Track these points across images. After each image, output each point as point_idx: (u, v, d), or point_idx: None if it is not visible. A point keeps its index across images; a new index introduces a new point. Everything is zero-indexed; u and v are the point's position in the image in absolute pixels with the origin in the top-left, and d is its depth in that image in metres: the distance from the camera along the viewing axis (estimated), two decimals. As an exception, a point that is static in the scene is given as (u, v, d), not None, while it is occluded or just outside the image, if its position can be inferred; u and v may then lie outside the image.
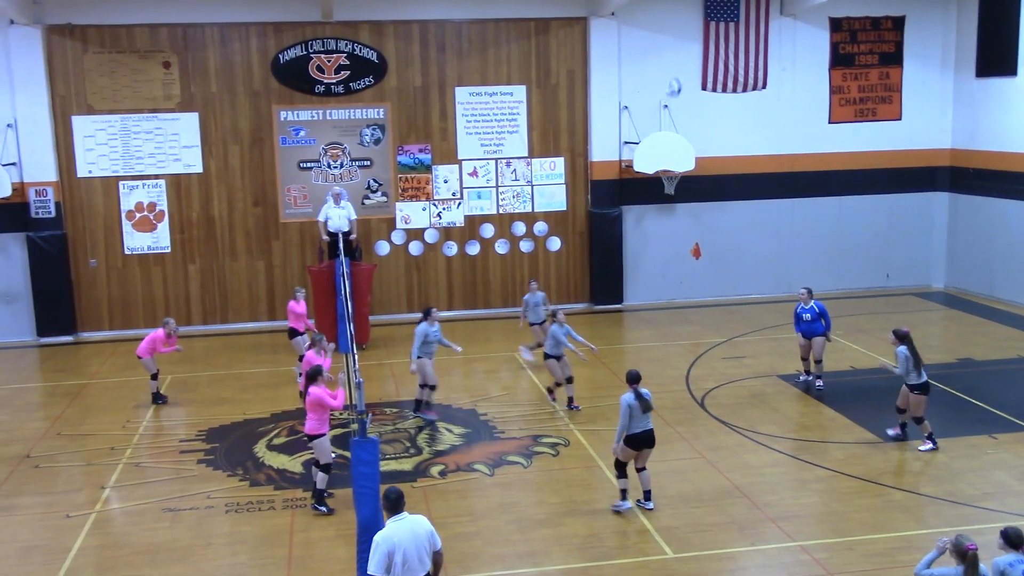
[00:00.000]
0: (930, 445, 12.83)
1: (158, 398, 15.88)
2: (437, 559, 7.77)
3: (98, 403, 15.99)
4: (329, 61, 20.78)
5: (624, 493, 11.32)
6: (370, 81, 20.97)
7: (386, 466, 12.26)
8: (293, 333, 16.81)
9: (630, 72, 21.61)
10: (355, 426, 9.97)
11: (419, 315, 15.05)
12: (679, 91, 17.03)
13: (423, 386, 14.69)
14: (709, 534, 10.70)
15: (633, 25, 21.51)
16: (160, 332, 15.82)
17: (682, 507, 11.38)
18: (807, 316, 15.47)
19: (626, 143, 21.74)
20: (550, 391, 15.32)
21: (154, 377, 15.86)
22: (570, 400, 14.93)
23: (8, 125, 19.80)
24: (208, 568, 10.21)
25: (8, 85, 19.68)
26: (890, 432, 13.33)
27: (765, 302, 21.96)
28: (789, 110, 22.29)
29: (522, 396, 15.75)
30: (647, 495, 11.28)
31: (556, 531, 10.90)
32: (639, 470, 11.29)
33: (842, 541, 10.47)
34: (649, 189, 21.83)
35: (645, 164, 21.33)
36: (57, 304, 20.22)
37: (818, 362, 15.60)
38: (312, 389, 11.27)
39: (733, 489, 11.87)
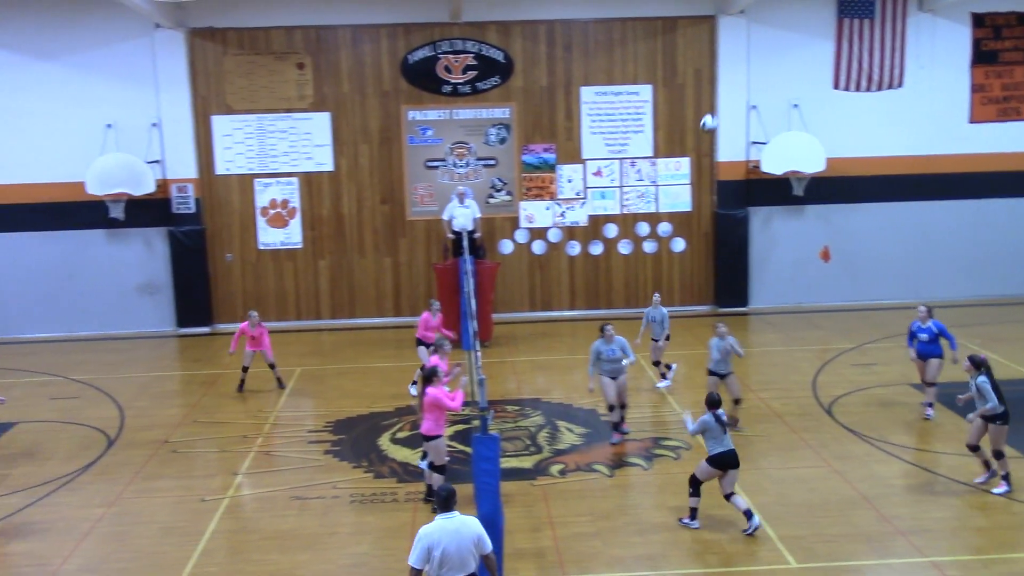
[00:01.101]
0: (1006, 487, 11.45)
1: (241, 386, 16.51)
2: (489, 563, 7.71)
3: (232, 392, 16.59)
4: (456, 61, 21.05)
5: (694, 512, 10.92)
6: (496, 81, 21.16)
7: (506, 463, 12.33)
8: (420, 342, 16.16)
9: (759, 71, 21.22)
10: (477, 422, 10.07)
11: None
12: (711, 126, 16.49)
13: (611, 407, 13.58)
14: (834, 545, 10.42)
15: (763, 23, 21.11)
16: (244, 324, 16.40)
17: (807, 516, 11.11)
18: (924, 336, 14.01)
19: (754, 143, 21.36)
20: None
21: (245, 369, 16.41)
22: (734, 420, 13.59)
23: (153, 124, 20.75)
24: (333, 556, 10.48)
25: (153, 86, 20.62)
26: (979, 480, 11.76)
27: (897, 308, 21.19)
28: (926, 109, 21.50)
29: (643, 397, 15.64)
30: (748, 514, 10.66)
31: (675, 535, 10.78)
32: (728, 496, 10.77)
33: (977, 559, 10.04)
34: (777, 190, 21.39)
35: (773, 165, 20.91)
36: (195, 296, 21.10)
37: (932, 385, 14.15)
38: (429, 390, 11.18)
39: (860, 500, 11.52)
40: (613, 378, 13.42)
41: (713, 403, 10.90)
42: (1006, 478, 11.51)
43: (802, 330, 19.94)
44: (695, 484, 10.94)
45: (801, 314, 21.34)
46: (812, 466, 12.60)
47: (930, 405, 14.26)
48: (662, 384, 16.11)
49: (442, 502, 7.66)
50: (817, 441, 13.45)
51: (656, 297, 16.52)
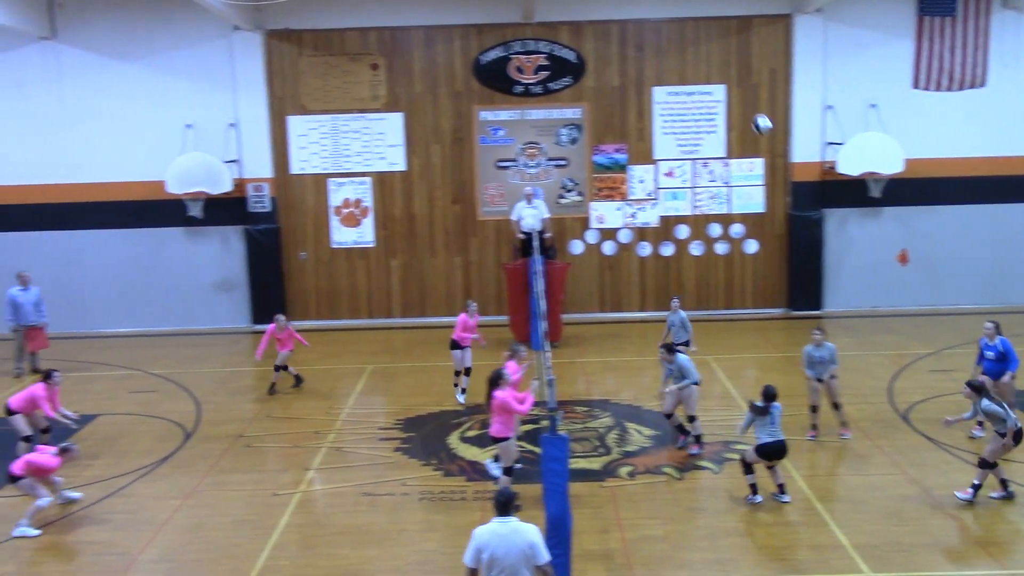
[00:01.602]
0: (1002, 492, 11.41)
1: (272, 389, 16.56)
2: (543, 574, 7.52)
3: (304, 389, 16.83)
4: (528, 62, 21.09)
5: (755, 487, 11.43)
6: (568, 81, 21.14)
7: (575, 464, 12.31)
8: (455, 345, 15.67)
9: (835, 70, 20.87)
10: (546, 423, 10.08)
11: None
12: (764, 127, 15.66)
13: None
14: (910, 554, 10.20)
15: (840, 21, 20.76)
16: (272, 327, 16.48)
17: (881, 524, 10.89)
18: (990, 354, 13.37)
19: (829, 144, 21.02)
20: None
21: (277, 369, 16.51)
22: (843, 425, 13.60)
23: (230, 124, 21.16)
24: (402, 553, 10.57)
25: (231, 87, 21.03)
26: (995, 495, 11.49)
27: (977, 313, 20.60)
28: (1010, 109, 20.93)
29: (713, 401, 15.48)
30: (781, 488, 11.45)
31: (746, 540, 10.67)
32: (769, 467, 11.50)
33: (1059, 572, 9.76)
34: (853, 192, 21.02)
35: (850, 166, 20.55)
36: (269, 293, 21.46)
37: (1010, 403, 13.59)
38: (497, 394, 11.21)
39: (937, 508, 11.26)
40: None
41: (768, 396, 11.37)
42: (1004, 483, 11.45)
43: (878, 334, 19.56)
44: (747, 467, 11.47)
45: (877, 318, 20.93)
46: (887, 473, 12.35)
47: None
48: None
49: (500, 506, 7.60)
50: (893, 448, 13.18)
51: (675, 302, 16.17)
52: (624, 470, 12.74)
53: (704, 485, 12.24)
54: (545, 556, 7.51)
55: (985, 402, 11.34)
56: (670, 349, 13.50)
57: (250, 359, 19.53)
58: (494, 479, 11.85)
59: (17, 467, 11.36)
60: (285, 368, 16.65)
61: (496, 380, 11.36)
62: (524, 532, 7.50)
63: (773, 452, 11.25)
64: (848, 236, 21.50)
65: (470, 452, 13.50)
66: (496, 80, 21.17)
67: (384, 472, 12.90)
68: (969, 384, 11.61)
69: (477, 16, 20.97)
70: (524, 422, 14.24)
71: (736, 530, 10.90)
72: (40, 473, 11.37)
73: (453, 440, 14.01)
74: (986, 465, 11.29)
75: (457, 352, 15.60)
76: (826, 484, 12.07)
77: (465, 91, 21.25)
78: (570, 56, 21.09)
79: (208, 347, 20.23)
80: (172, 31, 20.88)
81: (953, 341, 18.66)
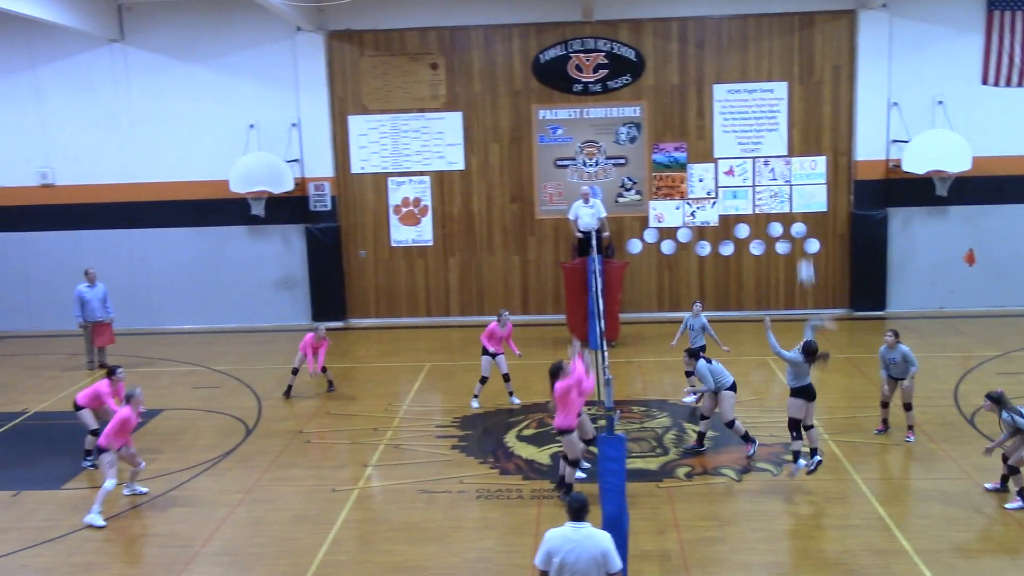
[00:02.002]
0: (1020, 503, 11.15)
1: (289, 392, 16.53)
2: None
3: (363, 386, 17.01)
4: (587, 60, 21.03)
5: (798, 455, 11.78)
6: (627, 79, 21.05)
7: (632, 464, 12.26)
8: (484, 351, 15.48)
9: (901, 66, 20.49)
10: (603, 422, 10.05)
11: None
12: (807, 278, 15.02)
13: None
14: (976, 561, 9.98)
15: (906, 16, 20.37)
16: (310, 337, 16.32)
17: (946, 530, 10.68)
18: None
19: (894, 141, 20.64)
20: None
21: (294, 372, 16.44)
22: (910, 428, 13.39)
23: (293, 124, 21.44)
24: (458, 550, 10.62)
25: (294, 87, 21.30)
26: (988, 486, 11.64)
27: (1048, 314, 20.20)
28: (1084, 105, 20.37)
29: (773, 402, 15.31)
30: (813, 452, 11.80)
31: (805, 544, 10.53)
32: (807, 428, 11.85)
33: None
34: (918, 190, 20.62)
35: (915, 164, 20.16)
36: (330, 291, 21.70)
37: None
38: (558, 384, 11.36)
39: (1004, 515, 11.01)
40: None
41: (809, 351, 11.67)
42: (1021, 493, 11.21)
43: (944, 336, 19.17)
44: (795, 426, 11.85)
45: (943, 319, 20.51)
46: (953, 478, 12.10)
47: None
48: (688, 399, 15.31)
49: (573, 511, 7.46)
50: (958, 452, 12.90)
51: (697, 305, 15.75)
52: (682, 471, 12.65)
53: (763, 487, 12.10)
54: (617, 564, 7.35)
55: (1005, 414, 11.18)
56: (693, 354, 13.35)
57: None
58: (561, 475, 11.85)
59: (103, 439, 11.72)
60: (324, 370, 16.47)
61: (556, 371, 11.47)
62: (597, 539, 7.35)
63: (807, 393, 11.80)
64: (913, 236, 21.10)
65: (527, 451, 13.51)
66: (555, 79, 21.15)
67: (441, 469, 12.97)
68: (989, 396, 11.39)
69: (536, 15, 20.98)
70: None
71: (795, 533, 10.77)
72: (122, 431, 11.71)
73: (510, 439, 14.03)
74: (1015, 471, 11.17)
75: (486, 358, 15.40)
76: (889, 487, 11.86)
77: (524, 90, 21.27)
78: (629, 54, 20.99)
79: (269, 344, 20.51)
80: (236, 33, 21.22)
81: (1021, 343, 18.22)
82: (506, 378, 15.57)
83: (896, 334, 13.34)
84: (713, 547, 10.48)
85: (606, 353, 12.02)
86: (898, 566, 9.92)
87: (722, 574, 9.95)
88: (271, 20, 20.71)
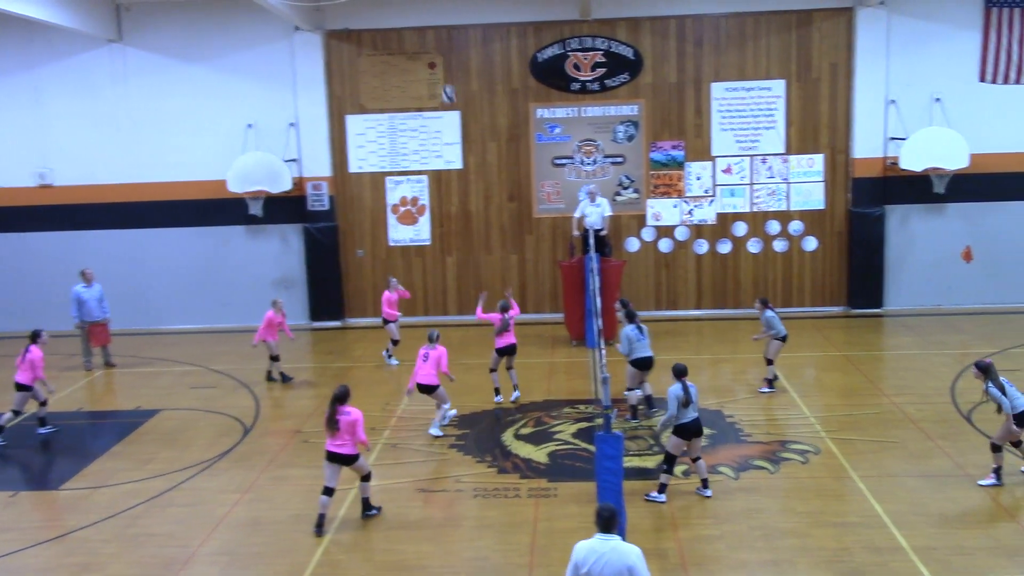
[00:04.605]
0: (993, 480, 11.65)
1: (280, 377, 17.22)
2: None
3: (361, 385, 16.97)
4: (585, 59, 21.03)
5: (664, 488, 11.54)
6: (625, 78, 21.05)
7: (629, 462, 12.28)
8: (386, 321, 18.04)
9: (898, 64, 20.50)
10: (601, 421, 10.07)
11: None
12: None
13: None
14: (973, 558, 9.99)
15: (903, 14, 20.39)
16: (270, 312, 17.15)
17: (943, 527, 10.69)
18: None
19: (892, 139, 20.65)
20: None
21: (274, 359, 17.09)
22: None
23: (291, 124, 21.43)
24: (456, 548, 10.64)
25: (292, 87, 21.30)
26: (984, 483, 11.72)
27: (1046, 311, 20.22)
28: (1081, 102, 20.38)
29: (771, 400, 15.32)
30: (704, 483, 11.70)
31: (803, 541, 10.54)
32: (694, 460, 11.72)
33: None
34: (916, 188, 20.63)
35: (913, 161, 20.17)
36: (328, 291, 21.71)
37: None
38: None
39: (1002, 512, 11.03)
40: None
41: (680, 373, 11.57)
42: (996, 472, 11.64)
43: (941, 333, 19.18)
44: (671, 461, 11.60)
45: (940, 316, 20.52)
46: (949, 475, 12.12)
47: None
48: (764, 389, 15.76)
49: (603, 523, 7.40)
50: (955, 449, 12.92)
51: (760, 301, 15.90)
52: (679, 469, 12.61)
53: (760, 485, 12.11)
54: None
55: (989, 384, 11.53)
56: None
57: (309, 356, 19.83)
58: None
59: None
60: (277, 359, 17.25)
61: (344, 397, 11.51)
62: (624, 553, 7.27)
63: (693, 430, 11.54)
64: (910, 233, 21.11)
65: (524, 450, 13.52)
66: (553, 77, 21.15)
67: (439, 468, 12.98)
68: (977, 365, 11.71)
69: (534, 14, 20.98)
70: (578, 420, 14.28)
71: (793, 531, 10.78)
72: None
73: (507, 437, 14.04)
74: (997, 448, 11.52)
75: (392, 325, 17.83)
76: (886, 486, 11.87)
77: (522, 89, 21.27)
78: (627, 53, 20.99)
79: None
80: (234, 33, 21.21)
81: (1018, 340, 18.23)
82: (508, 366, 15.83)
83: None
84: (711, 545, 10.50)
85: (604, 351, 12.03)
86: (895, 563, 9.94)
87: (720, 572, 9.96)
88: (269, 20, 20.71)
